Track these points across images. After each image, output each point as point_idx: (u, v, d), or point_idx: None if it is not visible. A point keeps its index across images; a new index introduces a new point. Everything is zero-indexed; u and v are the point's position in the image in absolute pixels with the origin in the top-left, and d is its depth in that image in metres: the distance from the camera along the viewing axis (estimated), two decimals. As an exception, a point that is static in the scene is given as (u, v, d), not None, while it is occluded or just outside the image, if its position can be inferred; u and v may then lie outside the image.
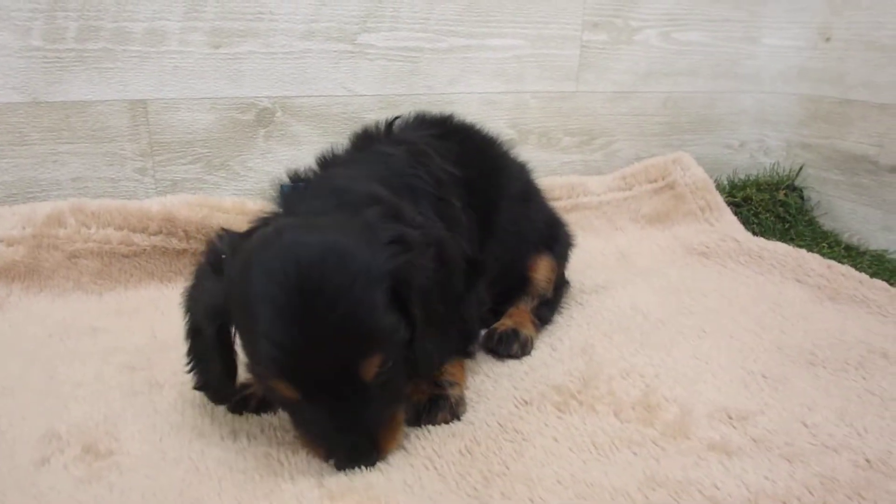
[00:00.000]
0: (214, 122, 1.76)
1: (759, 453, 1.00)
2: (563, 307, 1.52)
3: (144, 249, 1.55)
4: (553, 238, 1.47)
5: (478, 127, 1.42)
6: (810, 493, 0.91)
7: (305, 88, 1.80)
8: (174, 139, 1.73)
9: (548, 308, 1.43)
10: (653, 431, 1.05)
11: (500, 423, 1.07)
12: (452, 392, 1.10)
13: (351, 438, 0.91)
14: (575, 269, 1.64)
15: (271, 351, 0.84)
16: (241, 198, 1.73)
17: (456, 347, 1.16)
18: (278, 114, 1.81)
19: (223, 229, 1.02)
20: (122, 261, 1.54)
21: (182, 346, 1.03)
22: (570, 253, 1.53)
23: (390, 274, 0.89)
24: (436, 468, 0.97)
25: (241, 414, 1.09)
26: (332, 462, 0.93)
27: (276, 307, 0.84)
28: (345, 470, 0.92)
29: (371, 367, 0.88)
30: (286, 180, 1.15)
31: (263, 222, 1.01)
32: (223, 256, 0.96)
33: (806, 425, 1.06)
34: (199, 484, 0.91)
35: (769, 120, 2.35)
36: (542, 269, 1.41)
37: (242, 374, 1.02)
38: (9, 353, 1.25)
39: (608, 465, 0.97)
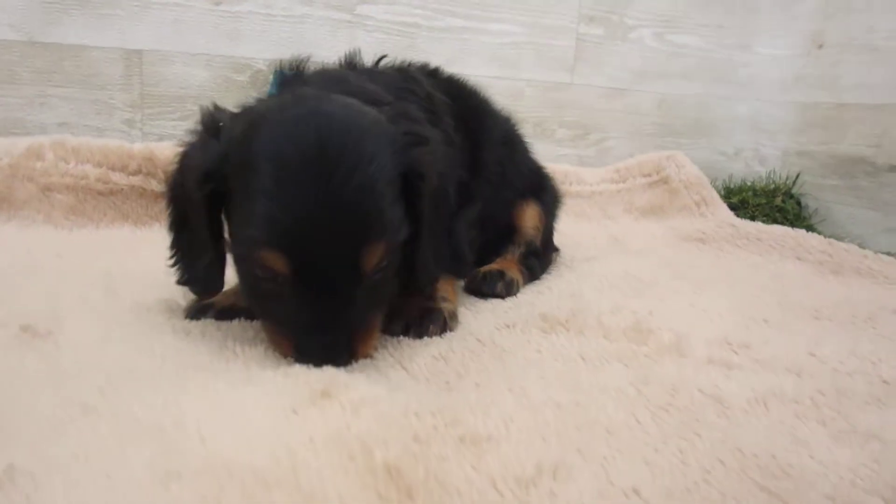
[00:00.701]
0: (208, 79, 1.69)
1: (763, 370, 0.88)
2: (551, 270, 1.42)
3: (122, 189, 1.46)
4: (539, 187, 1.39)
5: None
6: (822, 394, 0.80)
7: (302, 54, 1.74)
8: (166, 93, 1.67)
9: (536, 259, 1.34)
10: (645, 349, 0.94)
11: (478, 340, 0.96)
12: (445, 306, 1.00)
13: (327, 336, 0.80)
14: (565, 244, 1.54)
15: (272, 211, 0.75)
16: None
17: (447, 266, 1.06)
18: (272, 77, 1.75)
19: (216, 105, 0.92)
20: (97, 198, 1.45)
21: (145, 275, 0.97)
22: (558, 210, 1.44)
23: (404, 164, 0.83)
24: (405, 369, 0.85)
25: (198, 319, 0.97)
26: (291, 358, 0.81)
27: (287, 165, 0.76)
28: (308, 364, 0.79)
29: (373, 257, 0.78)
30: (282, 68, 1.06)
31: (260, 101, 0.94)
32: (220, 124, 0.86)
33: (814, 355, 0.95)
34: (139, 357, 0.80)
35: (764, 128, 2.29)
36: (528, 216, 1.33)
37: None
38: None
39: (597, 372, 0.86)
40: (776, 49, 2.24)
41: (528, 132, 2.02)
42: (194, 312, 0.97)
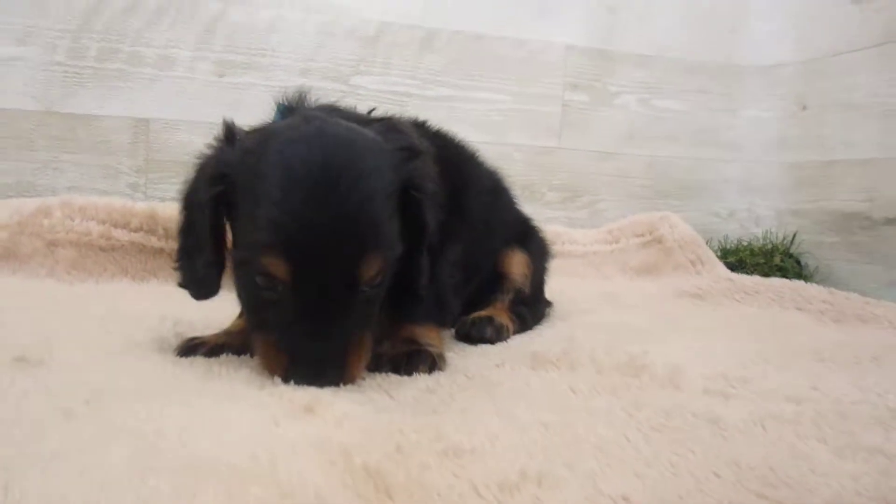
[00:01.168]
0: (211, 145, 1.73)
1: (762, 399, 0.84)
2: (543, 322, 1.37)
3: (123, 245, 1.47)
4: (526, 235, 1.38)
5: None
6: (823, 416, 0.75)
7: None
8: (170, 159, 1.71)
9: (526, 308, 1.30)
10: (638, 381, 0.90)
11: (467, 376, 0.92)
12: (432, 349, 0.97)
13: (322, 346, 0.80)
14: (558, 300, 1.51)
15: (277, 216, 0.77)
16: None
17: (432, 315, 1.04)
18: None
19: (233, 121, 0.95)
20: (98, 254, 1.46)
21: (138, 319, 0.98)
22: (547, 262, 1.41)
23: (402, 179, 0.85)
24: (392, 397, 0.82)
25: (188, 357, 0.94)
26: (280, 377, 0.80)
27: (293, 174, 0.78)
28: (300, 383, 0.78)
29: (370, 268, 0.80)
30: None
31: (271, 123, 0.97)
32: (237, 137, 0.90)
33: (816, 389, 0.89)
34: (125, 378, 0.79)
35: (756, 188, 2.31)
36: (515, 263, 1.30)
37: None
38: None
39: (587, 401, 0.82)
40: (761, 111, 2.28)
41: (517, 195, 2.04)
42: (185, 350, 0.95)
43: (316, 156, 0.79)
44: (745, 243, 2.18)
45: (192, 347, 0.95)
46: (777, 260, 2.04)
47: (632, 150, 2.22)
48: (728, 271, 1.89)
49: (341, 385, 0.80)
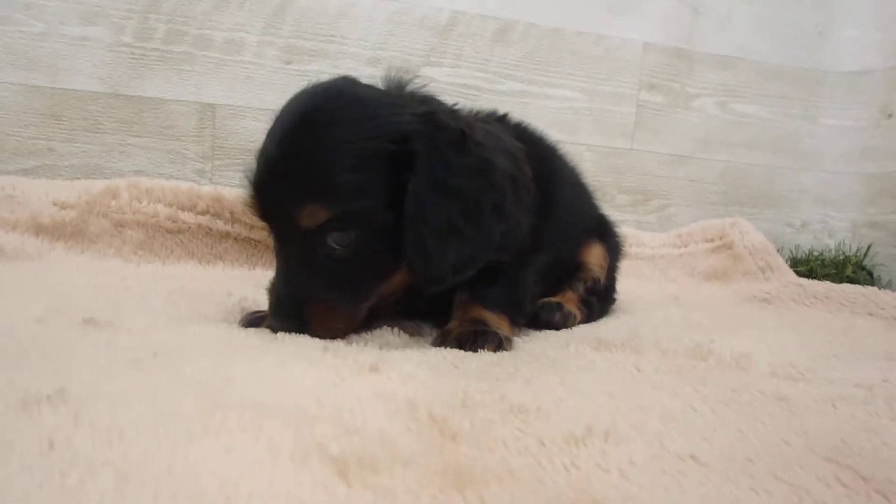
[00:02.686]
0: (276, 133, 1.81)
1: (831, 385, 0.85)
2: (609, 314, 1.41)
3: (189, 227, 1.55)
4: (604, 230, 1.40)
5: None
6: (896, 400, 0.76)
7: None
8: (236, 145, 1.78)
9: (597, 299, 1.32)
10: (704, 364, 0.92)
11: (531, 355, 0.95)
12: (500, 331, 0.98)
13: (283, 300, 0.88)
14: (623, 298, 1.53)
15: (255, 159, 0.88)
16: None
17: (502, 307, 1.04)
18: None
19: None
20: (165, 236, 1.53)
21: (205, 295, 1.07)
22: (619, 259, 1.44)
23: (396, 135, 0.84)
24: (456, 367, 0.85)
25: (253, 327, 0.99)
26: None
27: (276, 121, 0.89)
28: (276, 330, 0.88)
29: (307, 216, 0.83)
30: None
31: None
32: None
33: (888, 381, 0.89)
34: (191, 339, 0.83)
35: (832, 200, 2.27)
36: (594, 254, 1.33)
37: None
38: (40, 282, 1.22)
39: (653, 377, 0.84)
40: (843, 120, 2.25)
41: (591, 191, 2.07)
42: (249, 322, 0.99)
43: (301, 104, 0.87)
44: (816, 254, 2.15)
45: (255, 319, 0.99)
46: (849, 271, 2.01)
47: (706, 154, 2.21)
48: (798, 277, 1.87)
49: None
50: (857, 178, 2.20)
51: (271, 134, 0.88)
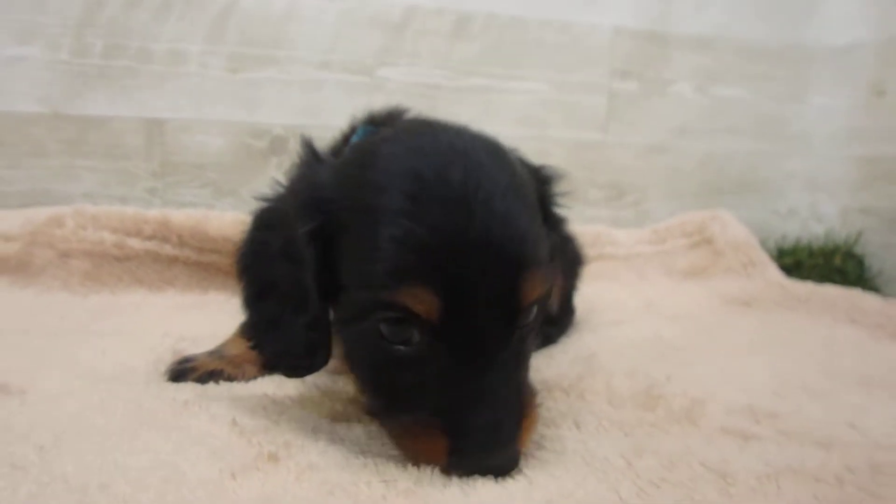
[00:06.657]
0: (227, 146, 1.75)
1: (787, 441, 0.79)
2: (571, 333, 1.34)
3: (137, 254, 1.50)
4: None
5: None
6: (852, 472, 0.70)
7: (320, 118, 1.79)
8: (186, 161, 1.73)
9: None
10: (652, 416, 0.86)
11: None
12: None
13: (494, 418, 0.63)
14: (590, 309, 1.47)
15: (414, 233, 0.61)
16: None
17: None
18: (292, 142, 1.79)
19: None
20: (112, 263, 1.48)
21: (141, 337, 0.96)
22: (580, 271, 1.37)
23: (540, 195, 0.77)
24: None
25: (178, 382, 0.94)
26: (441, 467, 0.64)
27: (425, 180, 0.63)
28: (471, 474, 0.63)
29: (534, 286, 0.65)
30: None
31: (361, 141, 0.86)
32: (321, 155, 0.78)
33: (854, 427, 0.84)
34: (98, 415, 0.78)
35: (821, 184, 2.19)
36: None
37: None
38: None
39: (589, 439, 0.79)
40: (831, 99, 2.15)
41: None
42: (175, 374, 0.95)
43: (446, 156, 0.65)
44: (803, 243, 2.08)
45: (182, 372, 0.95)
46: (837, 261, 1.94)
47: (685, 143, 2.13)
48: (781, 275, 1.81)
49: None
50: (847, 160, 2.12)
51: (436, 205, 0.62)
